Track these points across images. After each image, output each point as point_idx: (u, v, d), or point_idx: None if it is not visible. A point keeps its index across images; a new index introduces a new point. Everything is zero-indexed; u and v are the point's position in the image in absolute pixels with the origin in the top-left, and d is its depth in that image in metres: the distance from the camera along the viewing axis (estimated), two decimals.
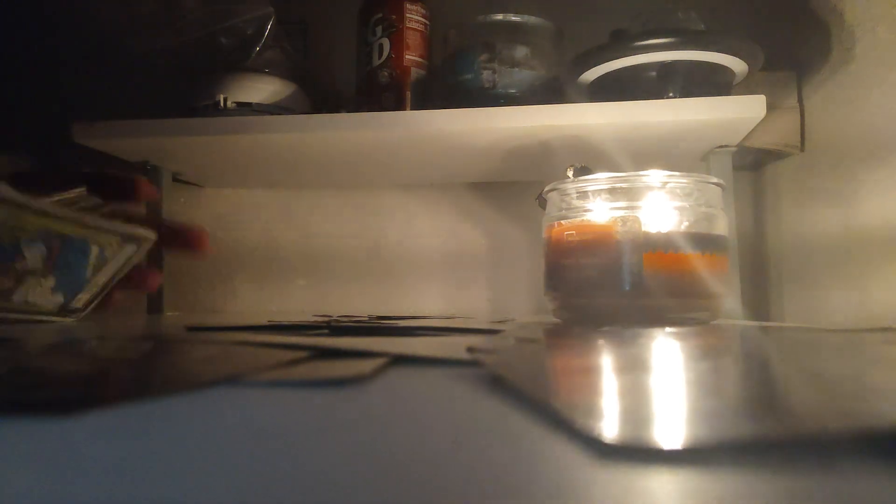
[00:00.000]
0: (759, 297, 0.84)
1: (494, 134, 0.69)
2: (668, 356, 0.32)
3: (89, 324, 0.51)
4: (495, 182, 0.91)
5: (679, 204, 0.53)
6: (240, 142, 0.72)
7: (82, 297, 0.50)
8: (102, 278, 0.50)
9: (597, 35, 0.71)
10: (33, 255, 0.45)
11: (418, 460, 0.13)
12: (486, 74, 0.70)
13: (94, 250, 0.49)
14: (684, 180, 0.54)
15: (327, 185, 0.94)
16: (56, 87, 0.91)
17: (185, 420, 0.17)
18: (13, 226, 0.44)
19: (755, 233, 0.85)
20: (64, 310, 0.49)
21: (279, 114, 0.73)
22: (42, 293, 0.47)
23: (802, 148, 0.76)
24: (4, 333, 0.41)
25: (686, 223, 0.53)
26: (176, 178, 0.88)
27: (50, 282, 0.47)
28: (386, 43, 0.75)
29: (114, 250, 0.50)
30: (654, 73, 0.66)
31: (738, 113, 0.64)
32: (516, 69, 0.70)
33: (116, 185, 0.53)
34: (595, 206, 0.54)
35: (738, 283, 0.73)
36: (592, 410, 0.17)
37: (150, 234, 0.52)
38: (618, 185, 0.54)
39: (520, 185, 0.89)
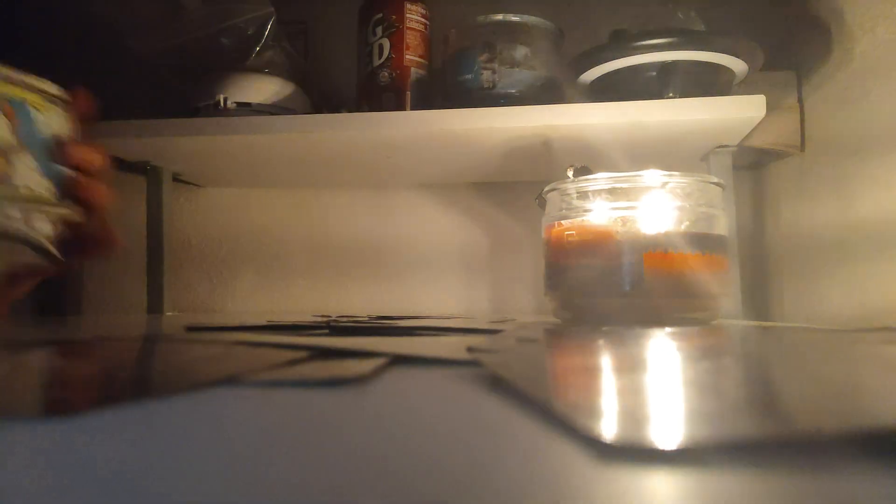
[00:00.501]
0: (759, 297, 0.84)
1: (495, 134, 0.69)
2: (667, 356, 0.32)
3: (90, 323, 0.51)
4: (495, 182, 0.91)
5: (679, 204, 0.53)
6: (240, 142, 0.72)
7: (62, 182, 0.43)
8: (56, 156, 0.43)
9: (597, 35, 0.71)
10: None
11: (418, 460, 0.13)
12: (486, 74, 0.70)
13: (36, 115, 0.42)
14: (684, 180, 0.54)
15: (327, 186, 0.94)
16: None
17: (185, 420, 0.17)
18: None
19: (755, 233, 0.85)
20: (59, 198, 0.42)
21: (279, 114, 0.73)
22: (33, 177, 0.40)
23: (802, 148, 0.76)
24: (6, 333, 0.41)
25: (686, 223, 0.53)
26: (176, 178, 0.88)
27: (30, 160, 0.40)
28: (386, 43, 0.75)
29: (48, 115, 0.43)
30: (653, 73, 0.66)
31: (738, 113, 0.64)
32: (516, 69, 0.70)
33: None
34: (595, 206, 0.54)
35: (738, 283, 0.73)
36: (592, 411, 0.17)
37: (61, 92, 0.45)
38: (618, 185, 0.54)
39: (520, 185, 0.89)
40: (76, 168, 0.44)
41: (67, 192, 0.43)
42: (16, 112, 0.41)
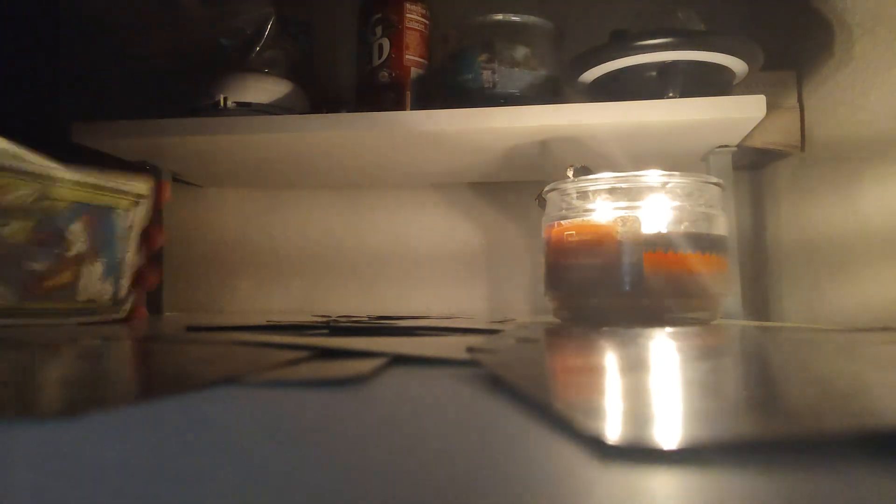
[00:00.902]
0: (759, 297, 0.84)
1: (494, 134, 0.69)
2: (667, 356, 0.32)
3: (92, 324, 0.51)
4: (495, 182, 0.91)
5: (679, 204, 0.53)
6: (240, 142, 0.72)
7: (123, 283, 0.47)
8: (129, 253, 0.47)
9: (597, 35, 0.71)
10: (75, 232, 0.42)
11: (418, 460, 0.13)
12: (486, 74, 0.70)
13: (119, 217, 0.46)
14: (684, 180, 0.54)
15: (327, 185, 0.94)
16: (56, 87, 0.91)
17: (185, 420, 0.17)
18: (47, 200, 0.41)
19: (755, 233, 0.85)
20: (115, 301, 0.46)
21: (279, 114, 0.73)
22: (96, 284, 0.44)
23: (802, 148, 0.76)
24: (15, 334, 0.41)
25: (686, 223, 0.53)
26: (176, 178, 0.88)
27: (98, 267, 0.44)
28: (386, 43, 0.75)
29: (130, 215, 0.47)
30: (654, 73, 0.66)
31: (738, 113, 0.64)
32: (516, 69, 0.70)
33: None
34: (595, 206, 0.54)
35: (738, 283, 0.73)
36: (593, 411, 0.17)
37: (146, 188, 0.49)
38: (618, 185, 0.54)
39: (520, 185, 0.89)
40: (146, 250, 0.51)
41: (131, 277, 0.49)
42: (98, 218, 0.45)
